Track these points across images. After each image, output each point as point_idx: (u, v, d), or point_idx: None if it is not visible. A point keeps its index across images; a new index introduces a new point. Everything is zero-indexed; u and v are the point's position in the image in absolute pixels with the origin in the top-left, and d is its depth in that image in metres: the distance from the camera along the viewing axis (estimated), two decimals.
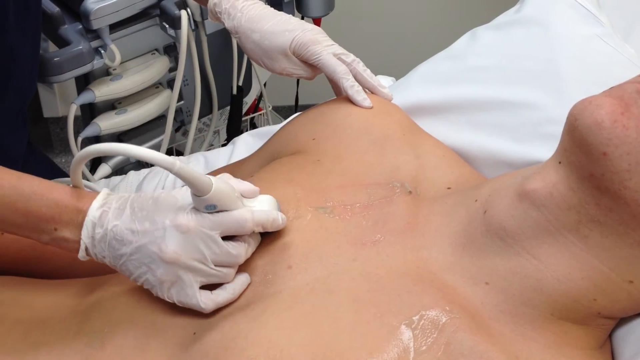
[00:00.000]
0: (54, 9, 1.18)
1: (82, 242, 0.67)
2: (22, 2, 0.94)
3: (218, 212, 0.66)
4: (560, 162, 0.62)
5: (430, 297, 0.64)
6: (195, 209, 0.66)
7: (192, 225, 0.65)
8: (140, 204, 0.67)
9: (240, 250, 0.67)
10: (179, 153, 1.58)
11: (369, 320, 0.63)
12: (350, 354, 0.60)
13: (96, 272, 0.84)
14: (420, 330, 0.61)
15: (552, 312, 0.63)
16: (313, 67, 0.88)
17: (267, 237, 0.71)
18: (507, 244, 0.64)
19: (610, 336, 0.68)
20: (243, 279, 0.69)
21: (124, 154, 0.64)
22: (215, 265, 0.66)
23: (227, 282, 0.68)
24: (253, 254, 0.70)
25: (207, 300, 0.67)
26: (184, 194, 0.67)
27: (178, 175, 0.63)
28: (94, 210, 0.67)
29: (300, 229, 0.71)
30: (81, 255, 0.68)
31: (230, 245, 0.67)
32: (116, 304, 0.72)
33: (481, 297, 0.65)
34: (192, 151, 1.47)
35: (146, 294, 0.72)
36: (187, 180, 0.64)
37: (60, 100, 2.21)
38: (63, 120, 2.26)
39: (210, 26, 1.33)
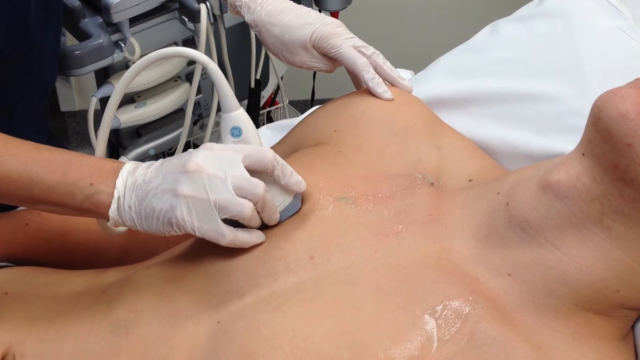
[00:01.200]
0: (75, 2, 1.19)
1: (115, 191, 0.68)
2: None
3: (242, 143, 0.70)
4: (584, 154, 0.62)
5: (454, 287, 0.64)
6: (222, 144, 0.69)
7: (216, 146, 0.68)
8: (171, 157, 0.70)
9: (259, 182, 0.68)
10: (197, 146, 1.59)
11: (392, 310, 0.63)
12: (373, 343, 0.61)
13: (118, 261, 0.85)
14: (444, 320, 0.62)
15: (575, 303, 0.63)
16: (333, 60, 0.89)
17: (289, 227, 0.72)
18: (529, 235, 0.64)
19: (633, 327, 0.68)
20: (259, 232, 0.70)
21: (162, 56, 0.71)
22: (235, 193, 0.67)
23: (244, 219, 0.68)
24: (275, 243, 0.71)
25: (228, 229, 0.68)
26: None
27: (211, 75, 0.67)
28: (129, 164, 0.70)
29: (322, 219, 0.71)
30: (113, 208, 0.68)
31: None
32: (140, 293, 0.73)
33: (504, 288, 0.65)
34: None
35: (169, 284, 0.72)
36: (218, 86, 0.69)
37: (77, 94, 2.22)
38: (80, 114, 2.27)
39: (229, 20, 1.33)
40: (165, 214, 0.68)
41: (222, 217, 0.67)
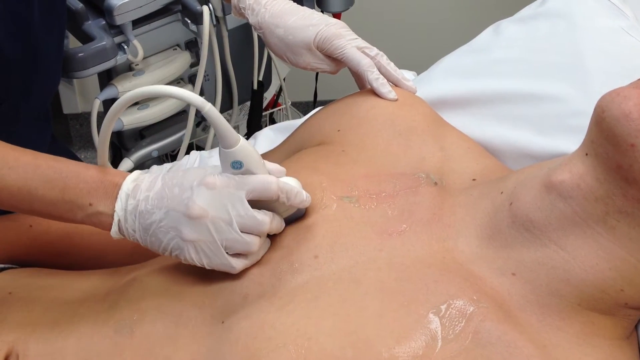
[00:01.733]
0: (78, 5, 1.19)
1: (115, 214, 0.68)
2: None
3: (244, 173, 0.68)
4: (587, 154, 0.62)
5: (457, 286, 0.64)
6: (223, 174, 0.68)
7: (218, 183, 0.67)
8: (171, 176, 0.69)
9: (264, 218, 0.68)
10: (200, 148, 1.59)
11: (396, 308, 0.63)
12: (377, 342, 0.61)
13: (123, 262, 0.85)
14: (448, 319, 0.62)
15: (579, 303, 0.63)
16: (337, 61, 0.89)
17: (293, 227, 0.72)
18: (533, 235, 0.65)
19: (637, 327, 0.68)
20: (265, 244, 0.71)
21: (157, 94, 0.66)
22: (240, 231, 0.67)
23: (251, 253, 0.69)
24: (280, 243, 0.71)
25: (237, 261, 0.68)
26: (214, 166, 0.69)
27: (208, 117, 0.65)
28: (128, 183, 0.69)
29: (326, 218, 0.72)
30: (114, 230, 0.69)
31: (255, 211, 0.68)
32: (145, 293, 0.73)
33: (508, 287, 0.65)
34: (213, 146, 1.48)
35: (174, 284, 0.72)
36: (216, 125, 0.66)
37: (79, 97, 2.23)
38: (82, 116, 2.27)
39: (232, 21, 1.33)
40: (172, 250, 0.69)
41: (230, 254, 0.68)
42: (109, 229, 0.69)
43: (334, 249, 0.69)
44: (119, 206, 0.68)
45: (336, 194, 0.73)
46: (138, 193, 0.69)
